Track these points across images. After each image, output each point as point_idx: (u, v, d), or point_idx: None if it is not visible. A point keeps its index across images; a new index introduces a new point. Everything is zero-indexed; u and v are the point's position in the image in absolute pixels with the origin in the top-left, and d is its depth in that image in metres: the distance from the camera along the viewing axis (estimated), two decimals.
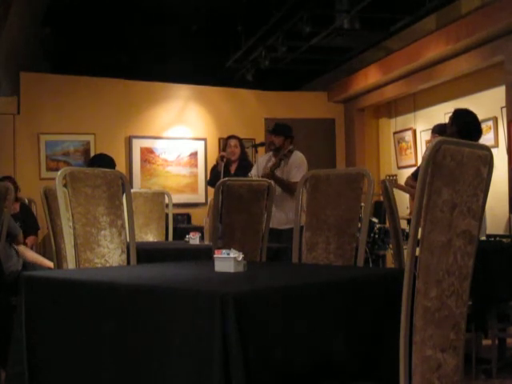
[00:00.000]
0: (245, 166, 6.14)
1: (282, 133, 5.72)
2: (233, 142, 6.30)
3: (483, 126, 5.61)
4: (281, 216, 5.48)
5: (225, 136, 8.48)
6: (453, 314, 1.99)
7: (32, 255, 4.82)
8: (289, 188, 5.47)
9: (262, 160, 5.89)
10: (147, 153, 9.04)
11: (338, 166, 9.82)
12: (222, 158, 6.12)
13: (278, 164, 5.60)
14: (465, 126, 4.75)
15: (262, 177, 5.48)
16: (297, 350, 1.93)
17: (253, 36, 7.96)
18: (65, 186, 3.49)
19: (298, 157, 5.67)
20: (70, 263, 3.43)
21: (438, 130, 5.44)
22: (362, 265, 3.47)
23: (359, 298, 2.18)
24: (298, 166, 5.60)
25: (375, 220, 7.75)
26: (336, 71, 9.68)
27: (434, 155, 1.88)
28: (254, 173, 5.81)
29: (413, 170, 7.32)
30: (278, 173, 5.58)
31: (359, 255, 3.46)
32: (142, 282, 2.18)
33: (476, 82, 7.75)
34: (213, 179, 6.01)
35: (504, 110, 6.81)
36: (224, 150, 6.34)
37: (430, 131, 8.40)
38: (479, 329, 4.04)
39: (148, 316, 1.96)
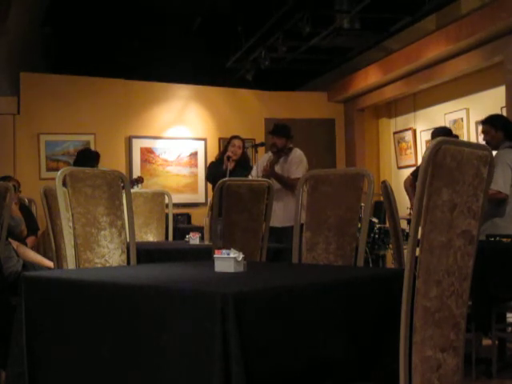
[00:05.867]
0: (242, 166, 6.16)
1: (284, 134, 5.77)
2: (237, 142, 6.34)
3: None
4: (281, 213, 5.51)
5: (225, 136, 8.49)
6: (453, 314, 1.99)
7: (32, 255, 4.82)
8: (288, 184, 5.54)
9: (262, 161, 5.92)
10: (147, 153, 9.04)
11: (338, 166, 9.82)
12: (228, 158, 6.15)
13: (277, 160, 5.67)
14: (508, 127, 4.81)
15: (262, 173, 5.55)
16: (297, 349, 1.93)
17: (253, 36, 7.96)
18: (65, 185, 3.49)
19: (297, 154, 5.76)
20: (70, 263, 3.43)
21: (442, 133, 5.47)
22: (361, 265, 3.47)
23: (359, 298, 2.18)
24: (297, 162, 5.70)
25: (375, 220, 7.75)
26: (336, 71, 9.69)
27: (434, 155, 1.88)
28: (254, 174, 5.84)
29: (413, 170, 7.33)
30: (277, 169, 5.65)
31: (359, 255, 3.46)
32: (142, 282, 2.18)
33: (476, 82, 7.75)
34: (214, 176, 6.04)
35: (504, 109, 6.81)
36: (226, 148, 6.35)
37: (429, 131, 8.42)
38: (479, 329, 4.03)
39: (148, 316, 1.96)
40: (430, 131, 8.05)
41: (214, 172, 6.26)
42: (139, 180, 6.84)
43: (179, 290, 1.97)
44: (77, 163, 6.39)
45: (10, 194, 3.64)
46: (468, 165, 1.96)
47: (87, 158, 6.45)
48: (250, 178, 5.85)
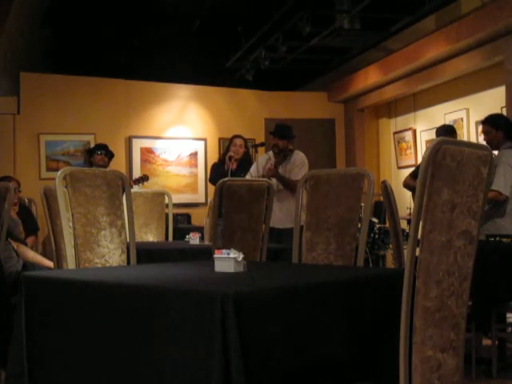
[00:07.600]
0: (245, 166, 6.16)
1: (286, 136, 5.77)
2: (238, 142, 6.34)
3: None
4: (282, 215, 5.52)
5: (225, 136, 8.50)
6: (453, 314, 1.99)
7: (32, 255, 4.82)
8: (290, 186, 5.55)
9: (261, 160, 5.92)
10: (147, 153, 9.04)
11: (338, 166, 9.82)
12: (230, 158, 6.14)
13: (282, 161, 5.69)
14: (509, 127, 4.84)
15: (266, 173, 5.57)
16: (297, 350, 1.93)
17: (253, 36, 7.96)
18: (65, 186, 3.49)
19: (299, 156, 5.78)
20: (70, 263, 3.43)
21: (444, 131, 5.48)
22: (361, 265, 3.47)
23: (359, 298, 2.18)
24: (299, 164, 5.73)
25: (375, 220, 7.75)
26: (336, 71, 9.69)
27: (434, 155, 1.88)
28: (254, 172, 5.83)
29: (412, 170, 7.33)
30: (280, 171, 5.66)
31: (359, 255, 3.46)
32: (142, 282, 2.18)
33: (476, 82, 7.75)
34: (216, 177, 6.03)
35: (504, 109, 6.81)
36: (228, 148, 6.35)
37: (429, 131, 8.43)
38: (479, 329, 4.03)
39: (148, 316, 1.96)
40: (430, 131, 8.06)
41: (214, 177, 6.24)
42: (144, 178, 6.82)
43: (179, 290, 1.97)
44: (88, 151, 6.89)
45: (10, 194, 3.64)
46: (468, 165, 1.96)
47: (97, 146, 6.80)
48: (248, 175, 5.86)
